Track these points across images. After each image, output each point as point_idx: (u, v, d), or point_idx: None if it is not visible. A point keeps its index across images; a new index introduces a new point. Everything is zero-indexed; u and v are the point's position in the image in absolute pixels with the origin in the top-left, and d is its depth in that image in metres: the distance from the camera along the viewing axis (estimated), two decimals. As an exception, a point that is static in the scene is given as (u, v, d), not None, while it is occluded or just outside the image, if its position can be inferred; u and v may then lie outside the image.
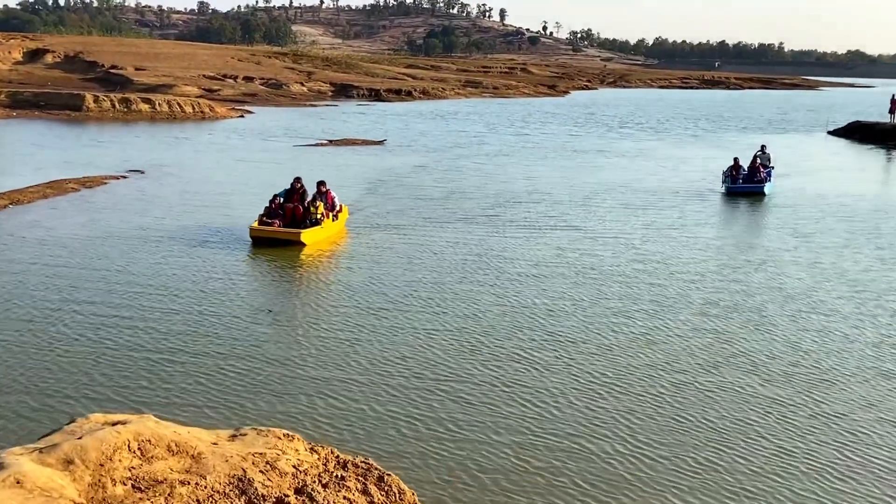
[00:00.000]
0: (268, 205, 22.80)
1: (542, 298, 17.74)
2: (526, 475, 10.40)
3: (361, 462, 7.72)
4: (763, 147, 35.44)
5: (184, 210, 26.31)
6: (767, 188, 32.40)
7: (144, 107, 61.02)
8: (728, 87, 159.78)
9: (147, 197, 28.58)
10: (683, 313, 17.00)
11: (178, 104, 62.51)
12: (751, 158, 33.97)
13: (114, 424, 7.21)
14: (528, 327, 15.87)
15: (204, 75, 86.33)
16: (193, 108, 62.56)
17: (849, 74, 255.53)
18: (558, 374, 13.56)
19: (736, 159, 33.38)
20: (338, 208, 23.66)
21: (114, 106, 60.38)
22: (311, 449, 7.80)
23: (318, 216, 22.49)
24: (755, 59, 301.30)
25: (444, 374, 13.40)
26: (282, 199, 22.84)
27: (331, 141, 49.19)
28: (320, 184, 23.53)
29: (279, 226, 22.15)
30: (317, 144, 47.50)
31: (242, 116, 64.32)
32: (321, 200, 22.84)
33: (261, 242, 21.73)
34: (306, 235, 21.90)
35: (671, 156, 46.74)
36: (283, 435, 7.76)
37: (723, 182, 32.93)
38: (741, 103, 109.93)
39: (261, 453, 7.34)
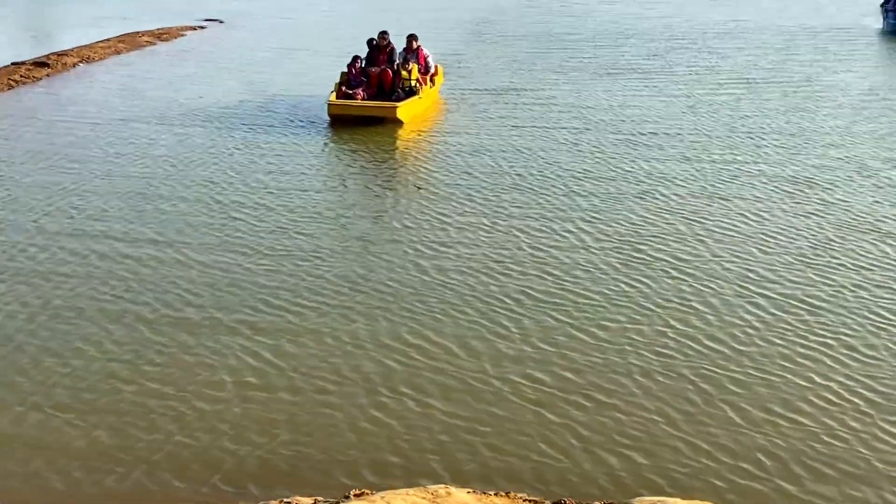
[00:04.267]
0: (346, 70, 17.70)
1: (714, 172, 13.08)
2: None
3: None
4: None
5: (259, 72, 21.77)
6: None
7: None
8: None
9: (220, 55, 24.41)
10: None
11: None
12: None
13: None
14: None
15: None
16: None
17: None
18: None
19: None
20: (432, 70, 18.50)
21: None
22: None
23: (413, 82, 17.35)
24: None
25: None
26: (363, 62, 17.83)
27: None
28: (411, 38, 18.19)
29: (364, 97, 17.16)
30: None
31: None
32: (414, 61, 17.68)
33: (342, 120, 16.63)
34: (403, 110, 16.77)
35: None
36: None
37: (883, 17, 26.65)
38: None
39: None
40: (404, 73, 17.32)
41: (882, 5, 27.08)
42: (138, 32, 27.39)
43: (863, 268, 10.02)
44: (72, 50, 23.97)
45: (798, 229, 11.22)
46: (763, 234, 11.10)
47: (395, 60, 17.69)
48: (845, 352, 8.25)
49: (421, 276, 9.85)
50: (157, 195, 12.68)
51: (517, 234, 11.14)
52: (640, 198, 12.44)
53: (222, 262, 10.27)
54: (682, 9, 32.27)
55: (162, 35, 27.47)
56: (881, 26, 26.56)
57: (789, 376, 7.84)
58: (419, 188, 13.11)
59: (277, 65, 22.96)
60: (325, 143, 15.73)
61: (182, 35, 27.87)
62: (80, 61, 22.96)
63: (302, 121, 17.00)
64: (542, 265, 10.16)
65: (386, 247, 10.75)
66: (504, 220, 11.60)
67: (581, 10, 31.93)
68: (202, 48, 25.54)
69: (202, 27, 29.57)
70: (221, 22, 30.73)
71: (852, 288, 9.52)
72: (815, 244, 10.74)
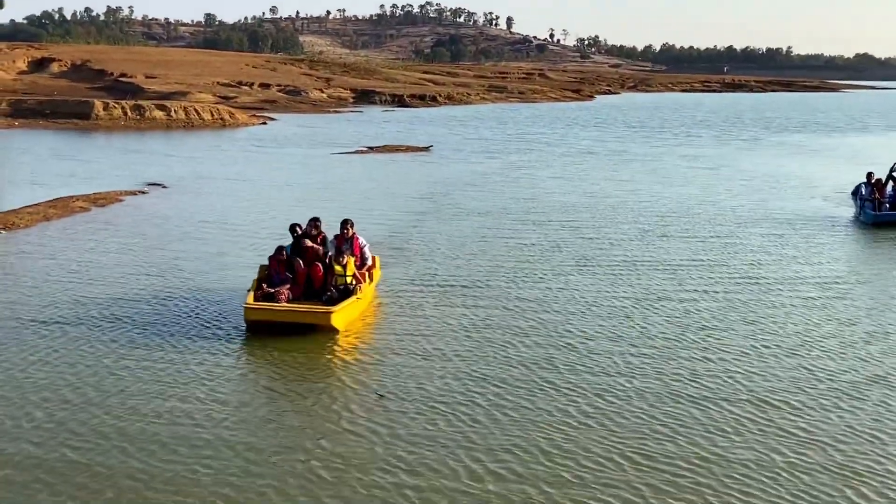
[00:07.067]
0: (268, 263, 14.19)
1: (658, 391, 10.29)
2: None
3: None
4: None
5: (178, 251, 18.99)
6: None
7: (159, 114, 54.00)
8: (751, 90, 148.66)
9: (146, 226, 21.84)
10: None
11: (196, 111, 55.70)
12: (886, 176, 24.31)
13: None
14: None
15: (218, 82, 79.72)
16: (212, 115, 55.81)
17: (859, 77, 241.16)
18: None
19: (871, 175, 23.96)
20: (369, 262, 15.04)
21: (125, 113, 53.32)
22: None
23: (349, 279, 13.91)
24: (763, 64, 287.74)
25: None
26: (287, 253, 14.17)
27: (371, 148, 42.58)
28: (346, 223, 14.91)
29: (288, 298, 13.58)
30: (356, 152, 40.88)
31: (265, 123, 57.99)
32: (349, 252, 14.43)
33: (263, 327, 13.04)
34: (339, 316, 13.13)
35: (752, 165, 38.26)
36: None
37: (860, 207, 23.87)
38: (784, 106, 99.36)
39: None
40: (338, 267, 13.97)
41: (853, 194, 24.99)
42: (72, 197, 25.14)
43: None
44: (-5, 214, 21.74)
45: None
46: None
47: (326, 253, 14.51)
48: None
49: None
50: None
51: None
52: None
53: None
54: (630, 186, 30.46)
55: (98, 200, 25.29)
56: (859, 216, 23.92)
57: None
58: (381, 396, 10.74)
59: (203, 240, 20.20)
60: (237, 357, 12.45)
61: (119, 200, 25.68)
62: (3, 228, 20.54)
63: (212, 323, 13.72)
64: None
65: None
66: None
67: (530, 187, 29.90)
68: (132, 217, 23.11)
69: (143, 192, 27.43)
70: (165, 187, 28.55)
71: None
72: None
